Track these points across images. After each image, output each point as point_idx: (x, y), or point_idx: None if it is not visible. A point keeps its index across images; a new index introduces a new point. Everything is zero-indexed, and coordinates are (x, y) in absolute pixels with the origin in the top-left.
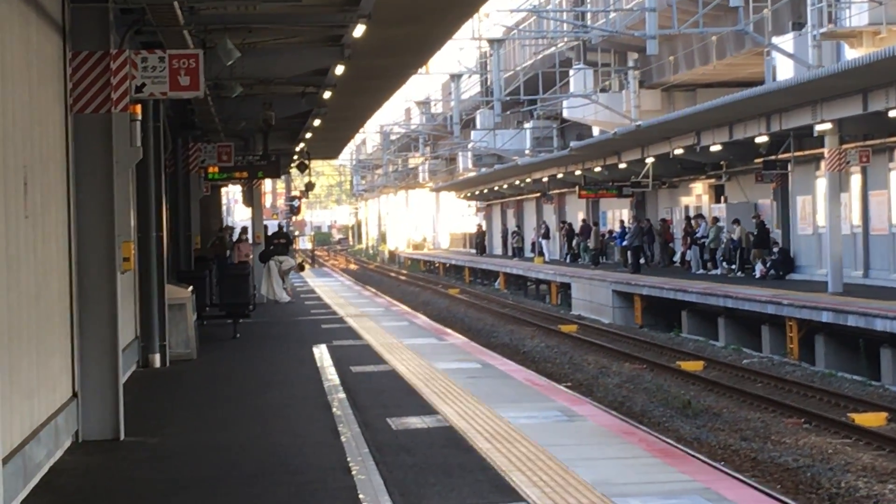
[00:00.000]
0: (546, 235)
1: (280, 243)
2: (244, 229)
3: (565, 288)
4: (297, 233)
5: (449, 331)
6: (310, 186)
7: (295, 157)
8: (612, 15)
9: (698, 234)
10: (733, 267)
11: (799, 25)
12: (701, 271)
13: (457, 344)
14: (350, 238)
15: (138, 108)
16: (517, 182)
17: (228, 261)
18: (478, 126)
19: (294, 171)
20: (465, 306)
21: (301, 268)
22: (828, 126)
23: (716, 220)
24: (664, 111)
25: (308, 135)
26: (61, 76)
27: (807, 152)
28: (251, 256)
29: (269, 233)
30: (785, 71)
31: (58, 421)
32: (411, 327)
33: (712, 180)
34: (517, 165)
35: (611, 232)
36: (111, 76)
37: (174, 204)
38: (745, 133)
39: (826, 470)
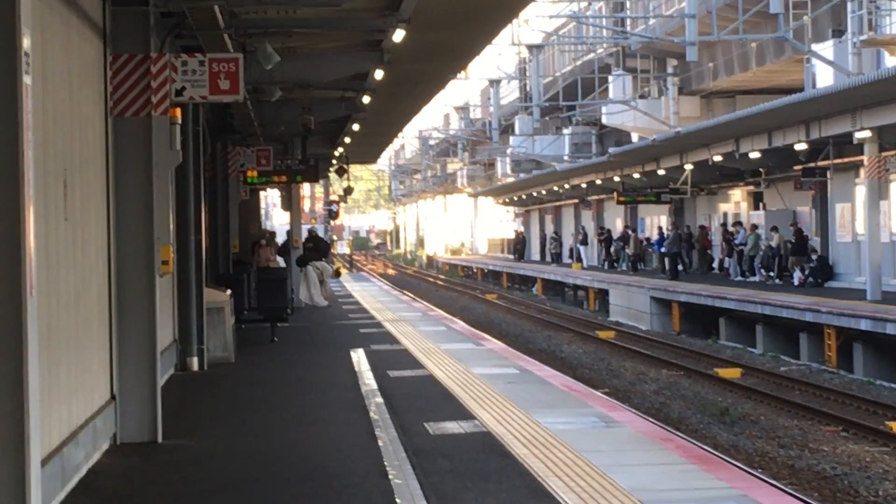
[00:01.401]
0: (584, 241)
1: (309, 248)
2: (265, 234)
3: (603, 294)
4: (334, 237)
5: (486, 336)
6: (348, 191)
7: (333, 161)
8: (652, 21)
9: (737, 241)
10: (772, 274)
11: (839, 33)
12: (739, 278)
13: (494, 349)
14: (388, 243)
15: (178, 111)
16: (555, 188)
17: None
18: (516, 132)
19: (332, 176)
20: (503, 312)
21: (338, 273)
22: (867, 133)
23: (754, 227)
24: (703, 118)
25: (347, 139)
26: (101, 79)
27: (846, 160)
28: (272, 261)
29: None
30: (825, 78)
31: (96, 423)
32: (449, 332)
33: (751, 187)
34: (555, 171)
35: (649, 239)
36: (151, 79)
37: (213, 207)
38: (784, 140)
39: (864, 478)
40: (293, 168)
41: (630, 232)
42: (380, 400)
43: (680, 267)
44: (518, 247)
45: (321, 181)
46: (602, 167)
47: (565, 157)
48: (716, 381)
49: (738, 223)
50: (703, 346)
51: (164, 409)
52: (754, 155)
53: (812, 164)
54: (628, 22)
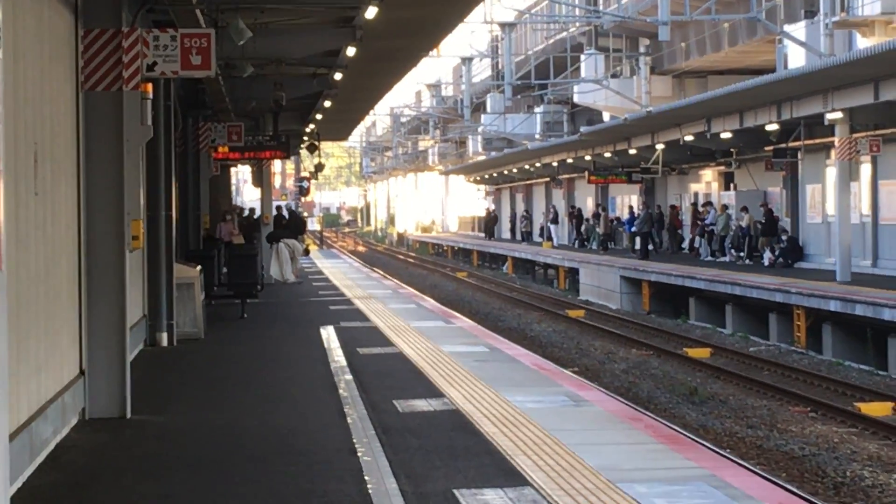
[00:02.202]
0: (555, 220)
1: (284, 224)
2: (235, 209)
3: (573, 273)
4: (305, 214)
5: (456, 314)
6: (319, 168)
7: (305, 138)
8: (625, 0)
9: (707, 222)
10: (742, 254)
11: (811, 14)
12: (709, 258)
13: (464, 327)
14: (358, 220)
15: (149, 86)
16: (527, 166)
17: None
18: (488, 110)
19: (304, 153)
20: (473, 290)
21: (307, 251)
22: (839, 115)
23: (724, 207)
24: (675, 98)
25: (318, 116)
26: (73, 54)
27: (817, 141)
28: (234, 235)
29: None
30: (796, 59)
31: (65, 398)
32: (419, 310)
33: (722, 167)
34: (527, 150)
35: (619, 218)
36: (123, 54)
37: (184, 183)
38: (755, 121)
39: (832, 459)
40: (264, 144)
41: (601, 211)
42: (349, 377)
43: (650, 246)
44: (489, 225)
45: (292, 157)
46: (573, 146)
47: (537, 136)
48: (685, 360)
49: (708, 203)
50: (673, 326)
51: (133, 385)
52: (725, 135)
53: (783, 145)
54: (601, 1)
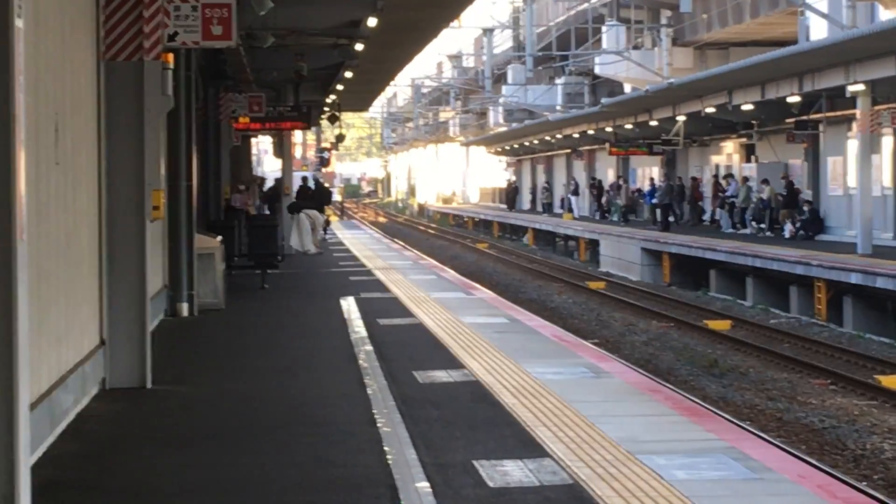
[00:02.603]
0: (576, 192)
1: (309, 195)
2: (256, 179)
3: (594, 244)
4: (326, 184)
5: (477, 285)
6: (340, 138)
7: (326, 108)
8: None
9: (728, 194)
10: (762, 227)
11: None
12: (730, 230)
13: (484, 298)
14: (379, 191)
15: (170, 56)
16: (547, 138)
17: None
18: (509, 81)
19: (324, 123)
20: (494, 261)
21: (327, 223)
22: (860, 87)
23: (745, 179)
24: (696, 69)
25: (339, 87)
26: (94, 23)
27: (839, 113)
28: (249, 206)
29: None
30: (818, 31)
31: (85, 368)
32: (439, 281)
33: (743, 139)
34: (548, 121)
35: (640, 190)
36: (144, 24)
37: (204, 154)
38: (777, 93)
39: (852, 431)
40: (285, 115)
41: (622, 183)
42: (369, 348)
43: (671, 218)
44: (510, 196)
45: (313, 128)
46: (594, 117)
47: (558, 107)
48: (705, 332)
49: (729, 175)
50: (693, 298)
51: (154, 355)
52: (747, 107)
53: (804, 118)
54: None
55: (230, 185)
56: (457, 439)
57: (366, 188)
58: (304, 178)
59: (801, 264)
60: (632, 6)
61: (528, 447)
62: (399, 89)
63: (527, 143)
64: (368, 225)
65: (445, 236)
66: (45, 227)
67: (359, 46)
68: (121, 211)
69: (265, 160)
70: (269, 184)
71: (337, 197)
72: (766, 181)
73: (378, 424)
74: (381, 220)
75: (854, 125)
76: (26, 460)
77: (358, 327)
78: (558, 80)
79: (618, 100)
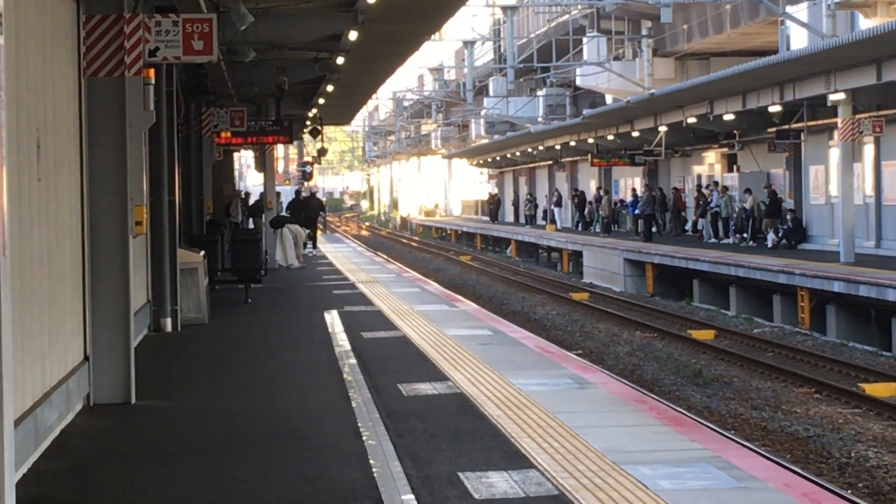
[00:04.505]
0: (558, 203)
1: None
2: (239, 194)
3: (577, 256)
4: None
5: (460, 297)
6: (322, 152)
7: (307, 122)
8: None
9: (711, 203)
10: (745, 236)
11: None
12: (713, 240)
13: (468, 311)
14: (361, 204)
15: (151, 72)
16: (529, 150)
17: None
18: (491, 93)
19: (306, 137)
20: (477, 273)
21: (311, 238)
22: (841, 96)
23: (725, 189)
24: (677, 80)
25: (321, 100)
26: (75, 40)
27: (820, 122)
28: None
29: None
30: (799, 40)
31: (69, 384)
32: (423, 294)
33: (725, 149)
34: (530, 133)
35: (622, 200)
36: (125, 40)
37: (186, 168)
38: (758, 102)
39: (836, 440)
40: (267, 129)
41: (604, 194)
42: (353, 361)
43: (654, 229)
44: (493, 208)
45: (295, 142)
46: (576, 129)
47: (539, 119)
48: (689, 342)
49: (714, 183)
50: (677, 308)
51: (138, 370)
52: (728, 117)
53: (786, 127)
54: None
55: (212, 199)
56: (442, 451)
57: (348, 202)
58: (298, 192)
59: (784, 273)
60: (612, 17)
61: (514, 459)
62: (381, 102)
63: (509, 155)
64: (351, 238)
65: (428, 249)
66: (27, 242)
67: (340, 60)
68: (103, 226)
69: (248, 174)
70: (255, 198)
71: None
72: (748, 190)
73: (363, 437)
74: (364, 233)
75: (835, 134)
76: (11, 477)
77: (342, 341)
78: (540, 92)
79: (599, 111)
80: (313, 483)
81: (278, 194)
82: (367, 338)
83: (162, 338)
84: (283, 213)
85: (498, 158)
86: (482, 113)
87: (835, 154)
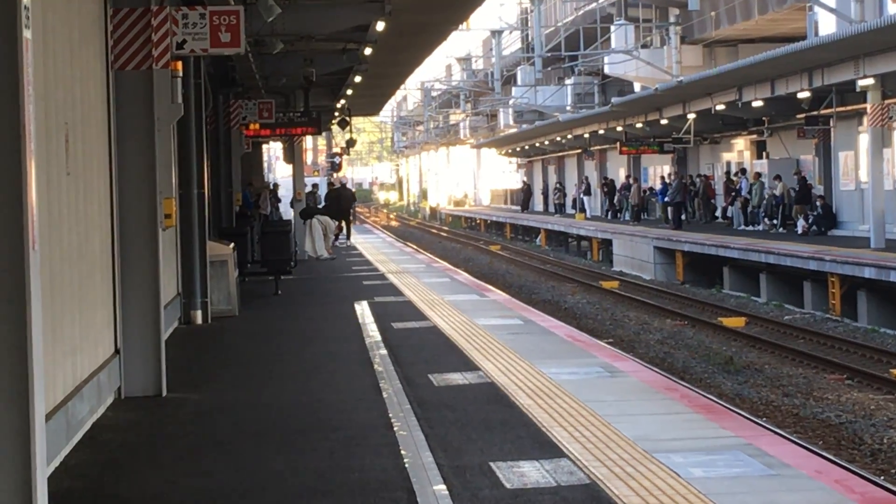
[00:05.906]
0: (587, 192)
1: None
2: (267, 185)
3: (606, 244)
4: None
5: (490, 287)
6: (351, 143)
7: (336, 113)
8: None
9: (740, 190)
10: (775, 223)
11: None
12: (742, 227)
13: (498, 300)
14: (388, 195)
15: (179, 64)
16: (558, 138)
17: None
18: (519, 82)
19: (335, 128)
20: (507, 263)
21: (339, 229)
22: (870, 81)
23: (758, 175)
24: (705, 67)
25: (349, 91)
26: (102, 33)
27: (849, 108)
28: (261, 208)
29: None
30: (827, 26)
31: (100, 377)
32: (452, 283)
33: (754, 136)
34: (558, 122)
35: (652, 188)
36: (152, 33)
37: (215, 161)
38: (787, 88)
39: (868, 426)
40: (295, 120)
41: (633, 182)
42: (384, 352)
43: (683, 216)
44: (524, 198)
45: (323, 133)
46: (605, 117)
47: (568, 108)
48: (720, 330)
49: (742, 171)
50: (707, 296)
51: (168, 363)
52: (757, 104)
53: (815, 113)
54: None
55: (241, 192)
56: (473, 441)
57: (377, 192)
58: (331, 184)
59: (815, 260)
60: (640, 5)
61: (545, 448)
62: (409, 93)
63: (537, 144)
64: (381, 229)
65: (458, 239)
66: (57, 236)
67: (367, 51)
68: (133, 219)
69: (276, 166)
70: (283, 191)
71: None
72: (778, 177)
73: (394, 428)
74: (394, 223)
75: (865, 119)
76: (43, 471)
77: (372, 331)
78: (568, 81)
79: (628, 99)
80: (345, 473)
81: (315, 185)
82: (397, 328)
83: (192, 330)
84: (321, 205)
85: (527, 147)
86: (510, 102)
87: (864, 140)
